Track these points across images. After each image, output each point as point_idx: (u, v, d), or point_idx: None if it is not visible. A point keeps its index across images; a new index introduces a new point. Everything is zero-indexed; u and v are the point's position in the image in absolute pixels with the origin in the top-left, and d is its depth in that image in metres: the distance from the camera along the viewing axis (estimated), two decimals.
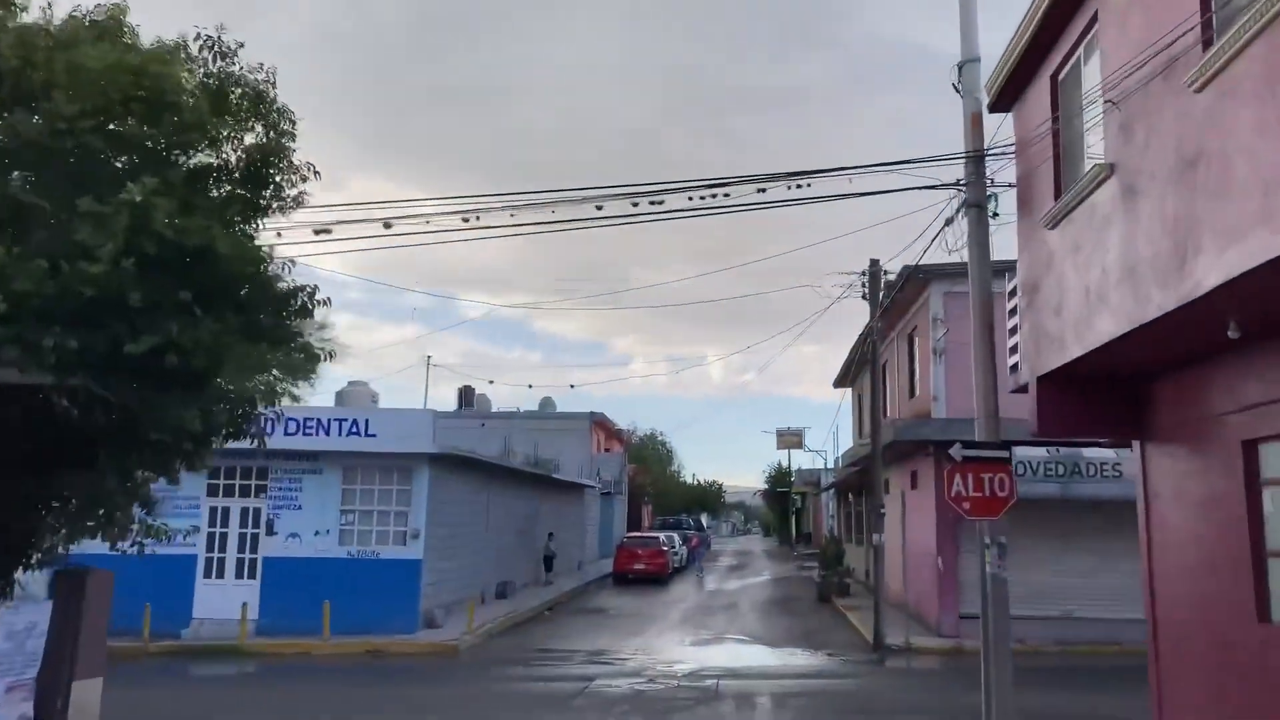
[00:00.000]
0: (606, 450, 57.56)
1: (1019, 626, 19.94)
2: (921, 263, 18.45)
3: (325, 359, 9.00)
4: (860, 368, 31.55)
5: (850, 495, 37.03)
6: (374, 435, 20.18)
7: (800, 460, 70.84)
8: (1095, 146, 9.05)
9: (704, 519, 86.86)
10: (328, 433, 20.21)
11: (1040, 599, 19.64)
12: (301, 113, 7.91)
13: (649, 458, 69.48)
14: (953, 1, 11.47)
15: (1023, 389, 11.18)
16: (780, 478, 75.43)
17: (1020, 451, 18.80)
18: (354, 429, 20.22)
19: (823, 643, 20.04)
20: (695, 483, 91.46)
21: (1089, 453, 18.70)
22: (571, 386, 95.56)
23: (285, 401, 8.85)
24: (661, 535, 37.70)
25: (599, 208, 10.67)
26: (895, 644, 18.60)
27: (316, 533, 20.38)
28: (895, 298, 20.81)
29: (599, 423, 54.21)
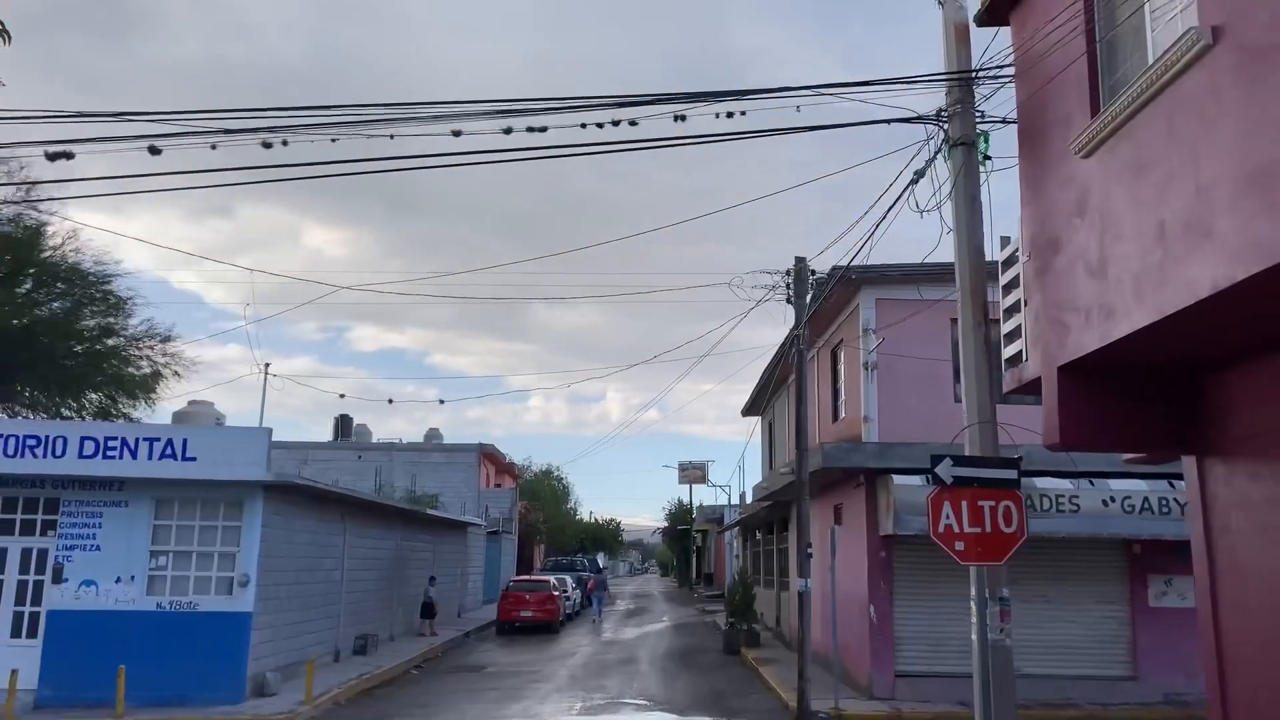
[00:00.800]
0: (497, 485, 53.80)
1: (955, 687, 17.24)
2: (853, 264, 15.81)
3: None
4: (777, 390, 28.88)
5: (759, 533, 34.24)
6: (193, 459, 16.37)
7: (703, 496, 68.22)
8: (1160, 31, 6.33)
9: (601, 558, 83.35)
10: (134, 455, 16.33)
11: None
12: None
13: (543, 494, 65.78)
14: None
15: (1026, 387, 8.35)
16: (681, 515, 72.50)
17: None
18: (168, 451, 16.38)
19: (737, 708, 16.94)
20: (592, 520, 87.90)
21: (1042, 483, 16.18)
22: (442, 402, 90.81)
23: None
24: (552, 578, 34.21)
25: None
26: (822, 712, 15.62)
27: (118, 579, 16.39)
28: (818, 308, 18.08)
29: (488, 455, 50.51)
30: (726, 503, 56.82)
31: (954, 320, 18.16)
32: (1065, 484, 16.24)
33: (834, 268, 16.57)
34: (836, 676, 16.25)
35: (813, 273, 16.55)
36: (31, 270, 27.71)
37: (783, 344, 20.75)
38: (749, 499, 45.98)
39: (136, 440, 16.41)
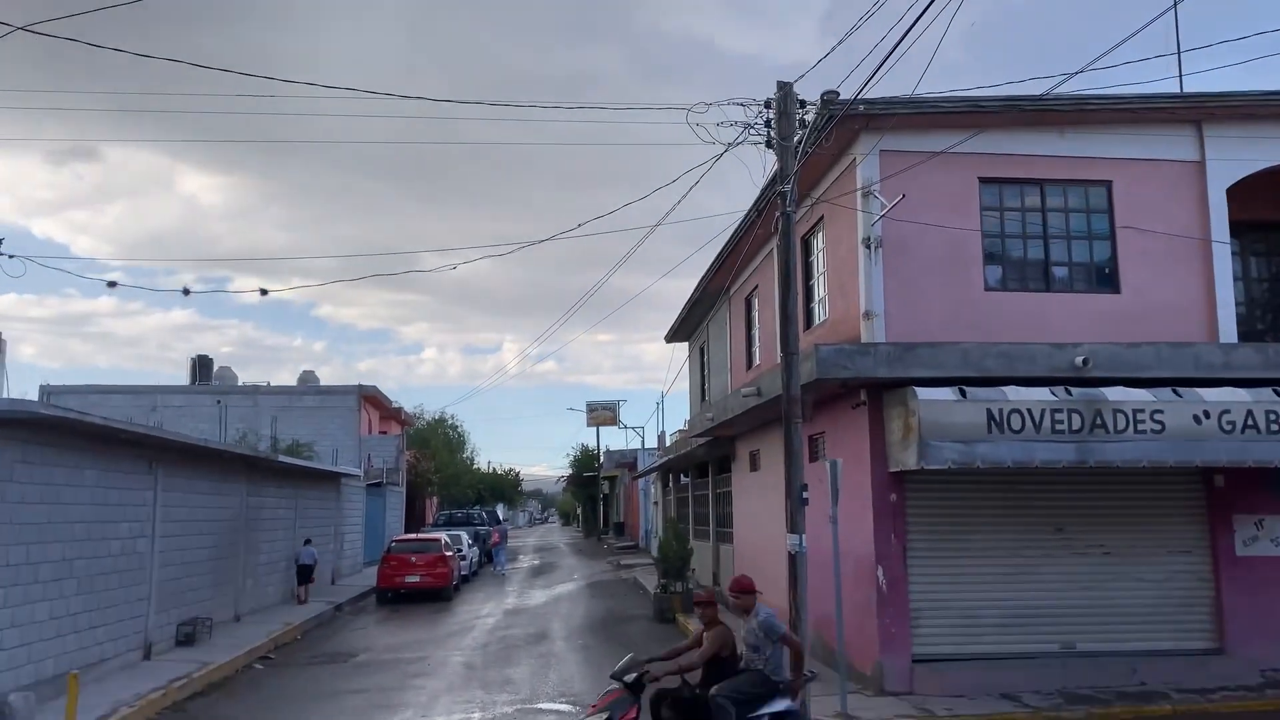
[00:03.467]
0: (382, 432, 48.06)
1: (995, 673, 12.88)
2: (849, 96, 11.01)
3: None
4: (712, 306, 24.04)
5: (685, 477, 29.65)
6: None
7: (610, 441, 63.57)
8: None
9: (500, 509, 78.24)
10: None
11: (1027, 626, 12.65)
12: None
13: (436, 443, 60.12)
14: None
15: None
16: (586, 461, 67.82)
17: (1012, 392, 11.66)
18: None
19: None
20: (490, 470, 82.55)
21: (1113, 394, 11.78)
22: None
23: None
24: (444, 535, 28.97)
25: None
26: (825, 719, 11.01)
27: None
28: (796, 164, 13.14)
29: (370, 398, 44.72)
30: (640, 446, 52.32)
31: (985, 179, 13.64)
32: (1144, 395, 11.86)
33: (824, 97, 11.68)
34: (840, 669, 11.63)
35: (801, 104, 11.60)
36: None
37: (753, 207, 15.79)
38: (668, 440, 41.43)
39: None
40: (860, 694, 12.03)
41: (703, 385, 26.76)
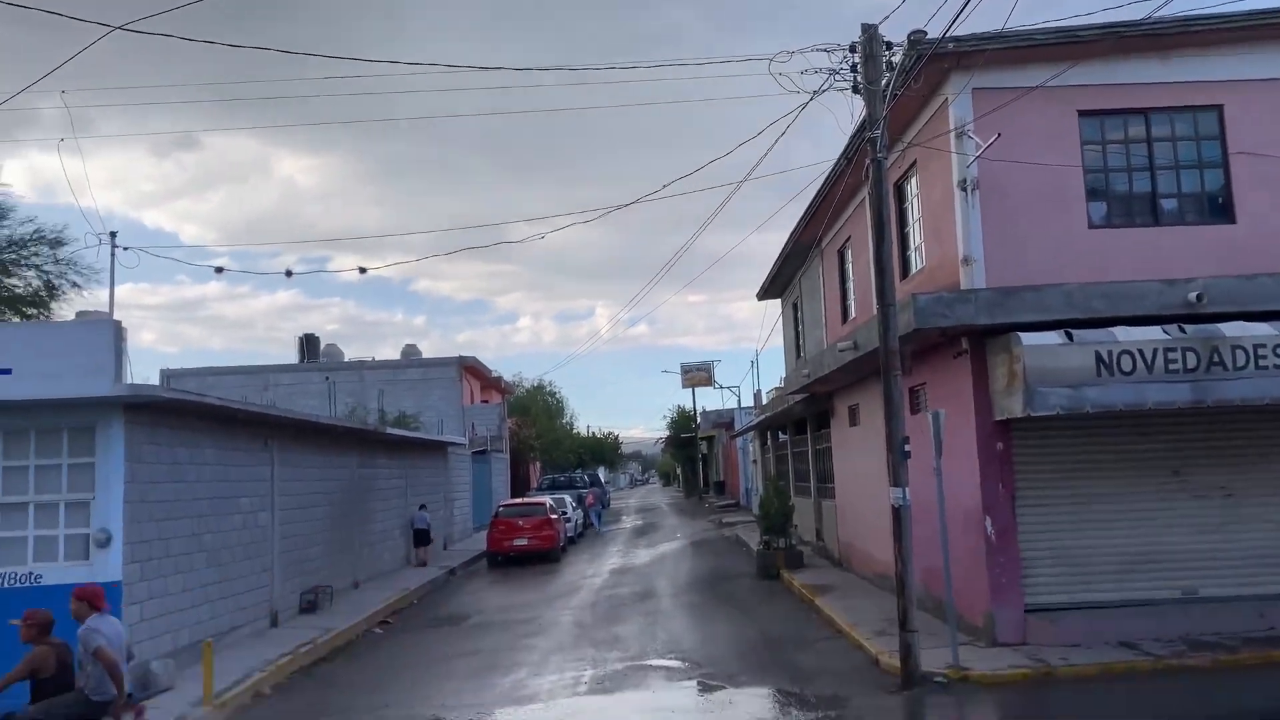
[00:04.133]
0: (483, 401, 49.05)
1: (1111, 621, 12.53)
2: (937, 35, 10.67)
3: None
4: (804, 261, 23.73)
5: (783, 434, 29.51)
6: (5, 370, 11.34)
7: (706, 401, 63.64)
8: None
9: (601, 472, 79.21)
10: None
11: (1145, 572, 12.30)
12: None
13: (536, 410, 61.10)
14: None
15: None
16: (684, 422, 68.07)
17: (1121, 333, 11.24)
18: None
19: (806, 668, 12.27)
20: (589, 434, 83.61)
21: (1230, 330, 11.26)
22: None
23: None
24: (549, 499, 29.55)
25: None
26: (937, 673, 10.92)
27: None
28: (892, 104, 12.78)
29: (470, 369, 45.64)
30: (737, 405, 52.25)
31: (1085, 112, 13.09)
32: (1264, 329, 11.30)
33: (911, 37, 11.32)
34: (950, 620, 11.51)
35: (888, 46, 11.28)
36: None
37: (841, 155, 15.49)
38: (764, 398, 41.28)
39: None
40: (971, 645, 11.88)
41: (797, 342, 26.51)
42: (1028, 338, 11.22)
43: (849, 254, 19.55)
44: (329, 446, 19.82)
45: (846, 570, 19.95)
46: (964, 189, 12.42)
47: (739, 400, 53.31)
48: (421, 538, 26.64)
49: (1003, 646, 11.79)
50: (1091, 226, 12.65)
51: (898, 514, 10.99)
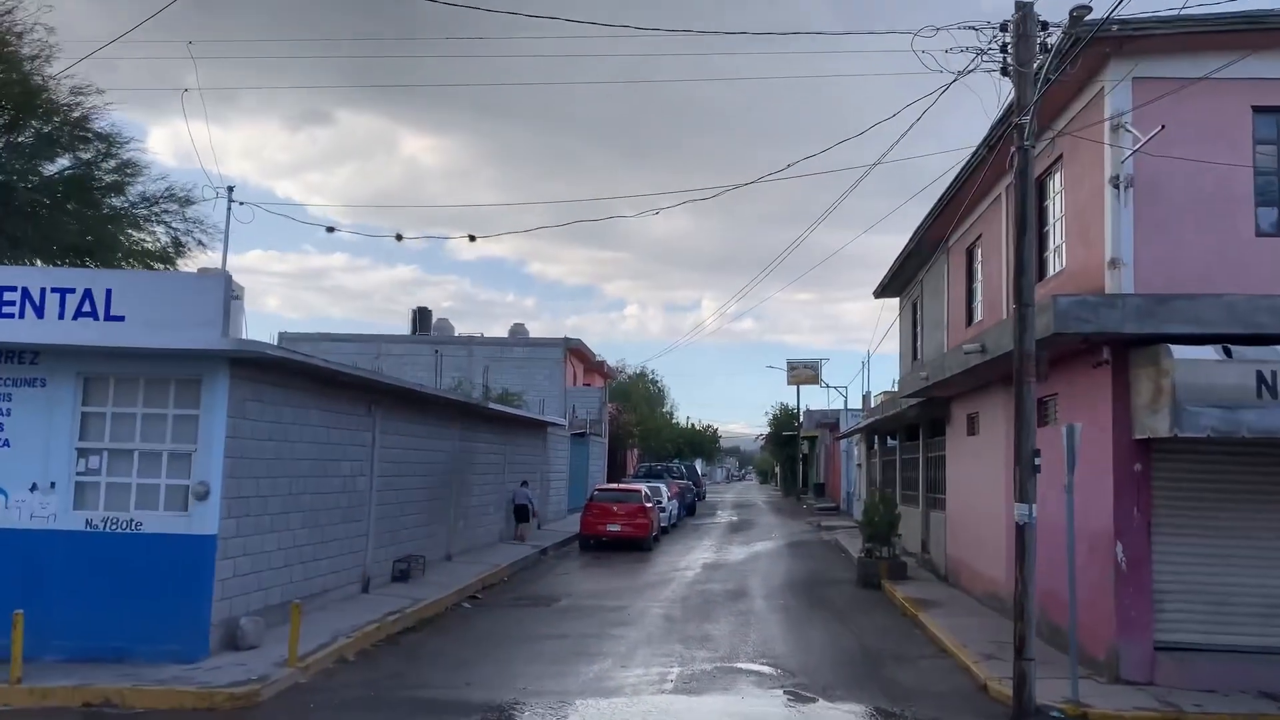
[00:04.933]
0: (586, 385, 49.07)
1: (1252, 668, 11.35)
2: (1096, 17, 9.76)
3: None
4: (927, 260, 22.68)
5: (891, 440, 28.47)
6: (119, 318, 11.45)
7: (810, 400, 62.41)
8: None
9: (699, 465, 78.71)
10: (40, 312, 11.49)
11: None
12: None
13: (637, 396, 60.91)
14: None
15: None
16: (786, 420, 66.97)
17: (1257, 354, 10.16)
18: (86, 307, 11.48)
19: (906, 686, 11.53)
20: (689, 425, 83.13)
21: None
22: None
23: None
24: (644, 487, 29.19)
25: None
26: (1054, 708, 10.06)
27: (34, 487, 11.72)
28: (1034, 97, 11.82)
29: (575, 351, 45.67)
30: (843, 406, 51.03)
31: (1260, 108, 11.91)
32: None
33: (1074, 13, 10.38)
34: (1045, 639, 10.60)
35: (1043, 26, 10.39)
36: (34, 122, 23.34)
37: (981, 144, 14.56)
38: (873, 401, 40.08)
39: (43, 291, 11.53)
40: (1091, 679, 10.96)
41: (914, 343, 25.44)
42: (1180, 351, 10.22)
43: (978, 254, 18.51)
44: (431, 417, 19.81)
45: (953, 586, 18.97)
46: (1116, 186, 11.42)
47: (845, 401, 52.11)
48: (521, 514, 26.66)
49: (1126, 685, 10.83)
50: (1259, 234, 11.50)
51: (1021, 532, 10.15)
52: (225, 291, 11.55)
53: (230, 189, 21.41)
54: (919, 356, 24.36)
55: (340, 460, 15.44)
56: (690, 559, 25.40)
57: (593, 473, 39.64)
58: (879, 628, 15.51)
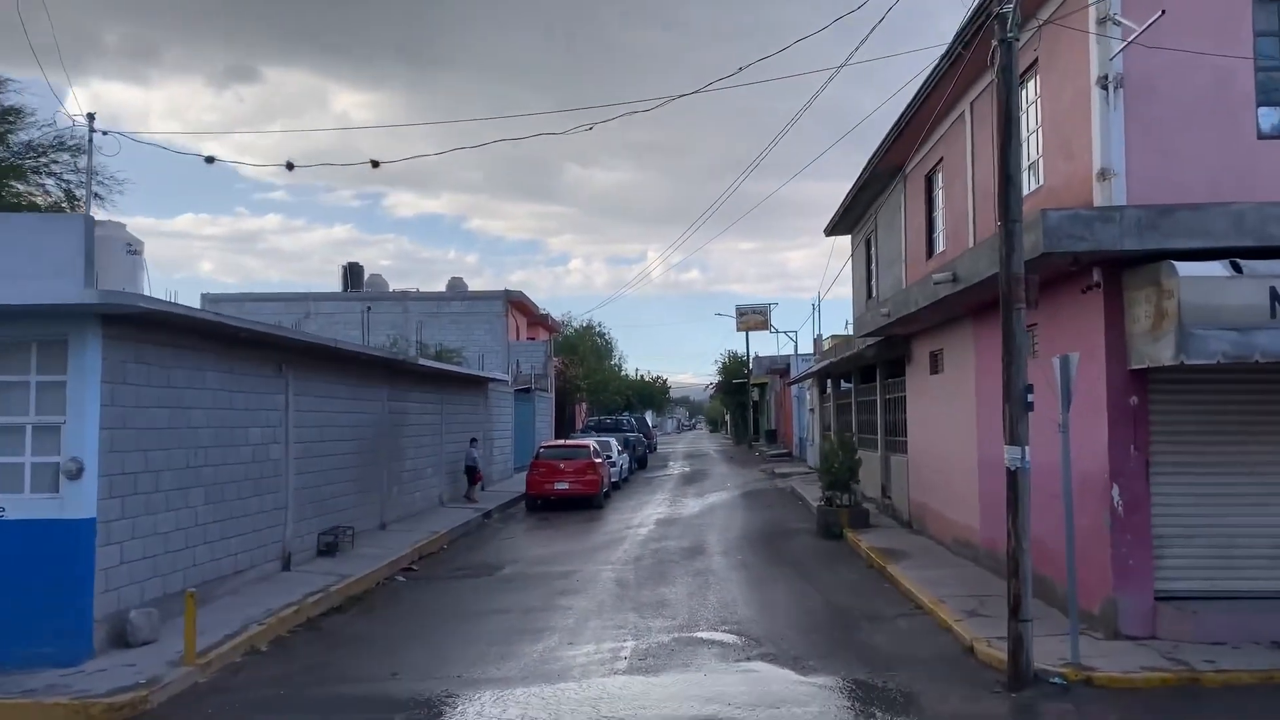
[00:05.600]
0: (530, 339, 47.47)
1: (1270, 615, 9.59)
2: None
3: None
4: (881, 191, 21.44)
5: (846, 383, 27.47)
6: None
7: (760, 347, 61.45)
8: None
9: (649, 416, 77.70)
10: None
11: None
12: None
13: (584, 350, 59.42)
14: None
15: None
16: (735, 367, 66.02)
17: (1269, 268, 9.01)
18: None
19: (884, 654, 10.40)
20: (638, 377, 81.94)
21: None
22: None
23: None
24: (593, 442, 27.87)
25: None
26: (1053, 671, 8.98)
27: None
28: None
29: (517, 304, 43.98)
30: (794, 351, 50.05)
31: None
32: None
33: None
34: (1071, 609, 9.52)
35: None
36: None
37: (944, 57, 13.23)
38: (824, 345, 39.12)
39: None
40: (1088, 635, 9.91)
41: (869, 282, 24.30)
42: (1185, 267, 9.05)
43: (939, 179, 17.29)
44: (355, 376, 18.21)
45: (919, 533, 18.00)
46: (1104, 87, 10.17)
47: (795, 346, 51.15)
48: (471, 475, 25.51)
49: (1126, 640, 9.81)
50: (1261, 136, 10.35)
51: (1014, 479, 8.98)
52: (85, 237, 9.84)
53: (91, 116, 19.21)
54: (874, 295, 23.23)
55: (249, 427, 13.85)
56: (643, 515, 24.22)
57: (540, 429, 38.26)
58: (847, 584, 14.43)
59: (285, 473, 15.00)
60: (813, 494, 26.21)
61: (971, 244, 14.70)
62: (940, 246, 17.19)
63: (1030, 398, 8.96)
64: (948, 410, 16.10)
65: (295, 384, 15.35)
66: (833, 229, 26.33)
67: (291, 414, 15.23)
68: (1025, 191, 12.64)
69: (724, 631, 11.55)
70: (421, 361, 21.52)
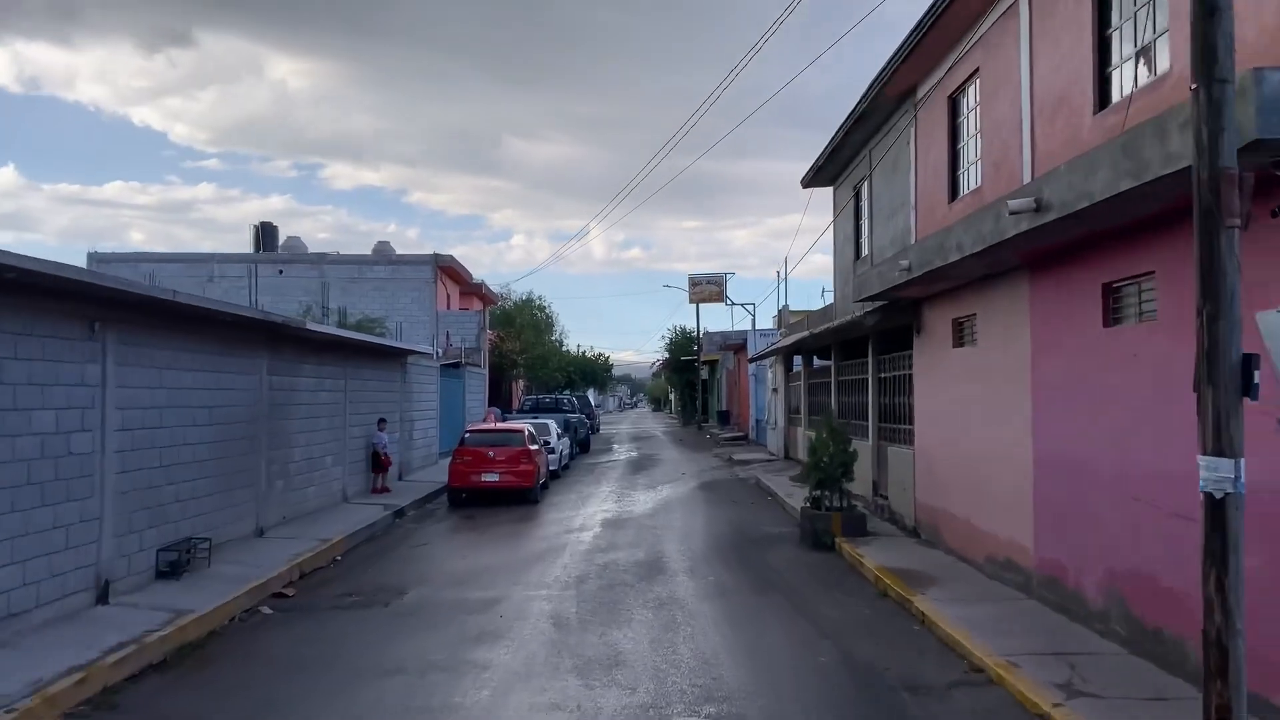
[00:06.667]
0: (463, 309, 43.35)
1: None
2: None
3: None
4: (873, 134, 17.84)
5: (831, 358, 24.00)
6: None
7: (713, 321, 57.97)
8: None
9: (591, 395, 73.89)
10: None
11: None
12: None
13: (522, 322, 55.34)
14: None
15: None
16: (684, 344, 62.42)
17: None
18: None
19: None
20: (579, 353, 77.93)
21: None
22: None
23: None
24: (527, 425, 23.98)
25: None
26: None
27: None
28: None
29: (448, 270, 39.85)
30: (751, 326, 46.56)
31: None
32: None
33: None
34: (1114, 633, 5.98)
35: None
36: None
37: None
38: (791, 318, 35.65)
39: None
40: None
41: (856, 240, 20.74)
42: None
43: (969, 99, 13.70)
44: (217, 343, 14.13)
45: (931, 545, 14.54)
46: None
47: (753, 321, 47.64)
48: (377, 461, 21.73)
49: None
50: None
51: (1217, 511, 5.36)
52: None
53: None
54: (865, 253, 19.68)
55: (36, 409, 9.79)
56: (586, 513, 20.49)
57: (471, 409, 34.22)
58: (861, 623, 10.84)
59: (99, 470, 10.93)
60: (782, 486, 22.75)
61: (1029, 173, 11.11)
62: (972, 183, 13.64)
63: (1256, 376, 5.34)
64: (980, 392, 12.59)
65: (118, 350, 11.26)
66: (812, 179, 22.68)
67: (112, 391, 11.15)
68: (1114, 99, 9.09)
69: (709, 710, 7.87)
70: (312, 326, 17.39)
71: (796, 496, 21.04)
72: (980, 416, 12.64)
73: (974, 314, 12.91)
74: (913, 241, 15.51)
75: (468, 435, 22.27)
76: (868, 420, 18.74)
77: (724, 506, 21.17)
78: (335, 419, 19.70)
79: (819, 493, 15.96)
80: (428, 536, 17.58)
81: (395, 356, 24.38)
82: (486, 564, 14.76)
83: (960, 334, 13.65)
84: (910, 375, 16.05)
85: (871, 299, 15.74)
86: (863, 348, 19.37)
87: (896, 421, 17.11)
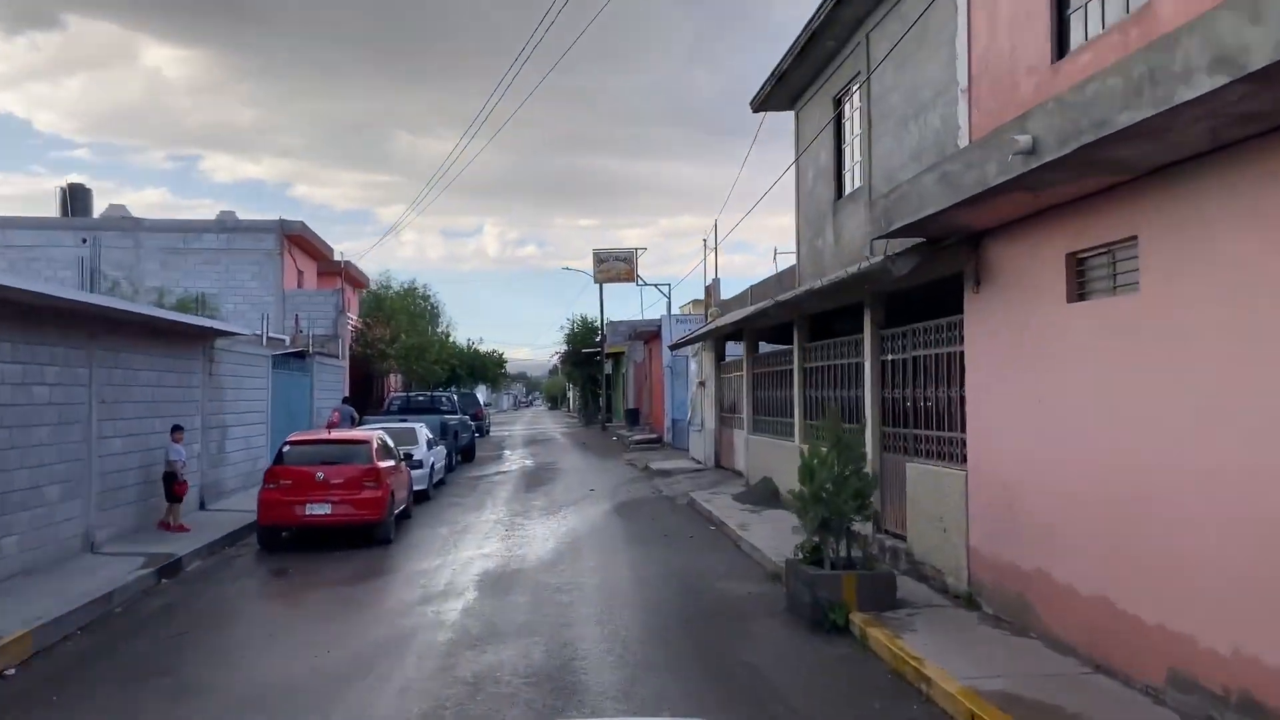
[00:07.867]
0: (320, 286, 36.34)
1: None
2: None
3: None
4: (867, 12, 12.14)
5: (796, 339, 18.34)
6: None
7: (617, 311, 51.97)
8: None
9: (481, 392, 67.13)
10: None
11: None
12: None
13: (398, 309, 48.24)
14: None
15: None
16: (585, 334, 56.32)
17: None
18: None
19: None
20: (469, 347, 70.76)
21: None
22: None
23: None
24: (379, 433, 17.45)
25: None
26: None
27: None
28: None
29: (298, 240, 32.93)
30: (666, 311, 40.72)
31: None
32: None
33: None
34: None
35: None
36: None
37: None
38: (722, 295, 29.91)
39: None
40: None
41: (838, 170, 15.04)
42: None
43: None
44: None
45: (1019, 631, 8.85)
46: None
47: (669, 305, 41.81)
48: (169, 484, 15.13)
49: None
50: None
51: None
52: None
53: None
54: (857, 184, 14.00)
55: None
56: (458, 561, 14.26)
57: (320, 410, 27.33)
58: None
59: None
60: (726, 510, 17.01)
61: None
62: (1094, 28, 7.97)
63: None
64: (1154, 378, 6.96)
65: None
66: (767, 98, 16.82)
67: None
68: None
69: None
70: (5, 282, 10.70)
71: (753, 527, 15.32)
72: (1154, 419, 7.01)
73: (1133, 237, 7.26)
74: (965, 142, 9.85)
75: (287, 449, 15.65)
76: (862, 422, 13.02)
77: (655, 545, 15.20)
78: (72, 426, 12.96)
79: (822, 537, 10.13)
80: (198, 613, 11.07)
81: (194, 338, 17.61)
82: (272, 679, 8.47)
83: (1084, 278, 8.02)
84: (956, 354, 10.39)
85: (892, 235, 9.99)
86: (849, 320, 13.68)
87: (922, 425, 11.46)
